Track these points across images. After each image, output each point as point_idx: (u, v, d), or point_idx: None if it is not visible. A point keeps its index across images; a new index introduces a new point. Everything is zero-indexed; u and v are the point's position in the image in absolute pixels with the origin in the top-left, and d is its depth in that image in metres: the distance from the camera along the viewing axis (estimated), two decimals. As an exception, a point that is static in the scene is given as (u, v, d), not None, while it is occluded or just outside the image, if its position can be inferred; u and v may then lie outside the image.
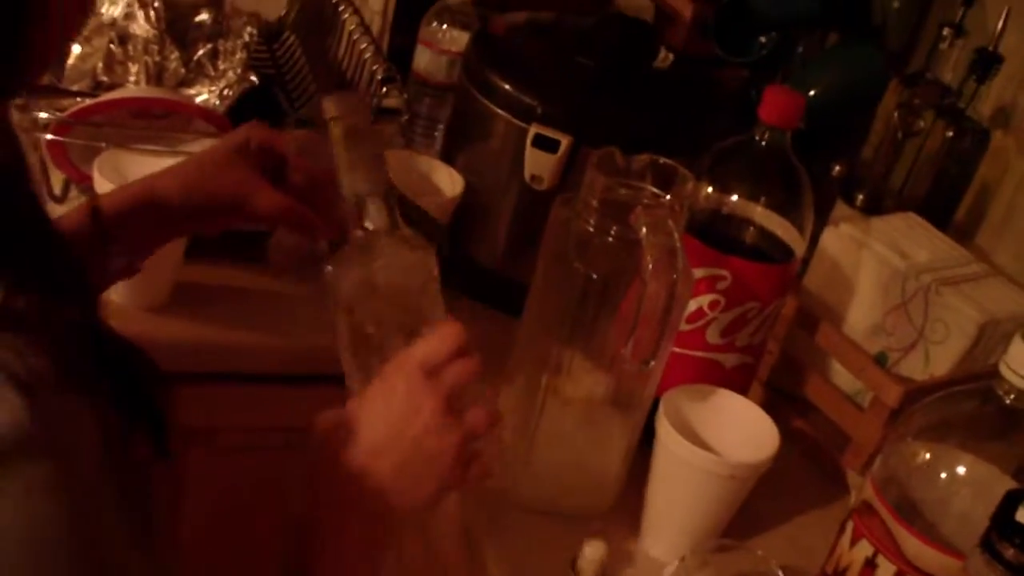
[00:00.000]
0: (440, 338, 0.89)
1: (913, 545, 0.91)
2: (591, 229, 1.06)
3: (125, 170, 1.20)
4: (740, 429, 1.12)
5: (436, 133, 1.56)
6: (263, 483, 1.37)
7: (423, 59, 1.57)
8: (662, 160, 1.08)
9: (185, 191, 1.08)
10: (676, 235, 1.02)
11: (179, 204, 1.07)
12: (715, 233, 1.16)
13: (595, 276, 1.05)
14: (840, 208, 1.50)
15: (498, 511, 1.13)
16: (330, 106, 0.93)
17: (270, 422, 1.35)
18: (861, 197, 1.52)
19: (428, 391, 0.87)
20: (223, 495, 1.38)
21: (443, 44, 1.55)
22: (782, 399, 1.30)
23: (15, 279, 0.63)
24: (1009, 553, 0.74)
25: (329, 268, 0.94)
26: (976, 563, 0.76)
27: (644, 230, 1.01)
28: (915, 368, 1.24)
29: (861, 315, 1.27)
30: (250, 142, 1.12)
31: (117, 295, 1.24)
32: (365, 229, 0.94)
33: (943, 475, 0.92)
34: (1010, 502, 0.74)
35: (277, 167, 1.13)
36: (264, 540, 1.42)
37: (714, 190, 1.17)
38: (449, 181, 1.36)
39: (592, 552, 1.02)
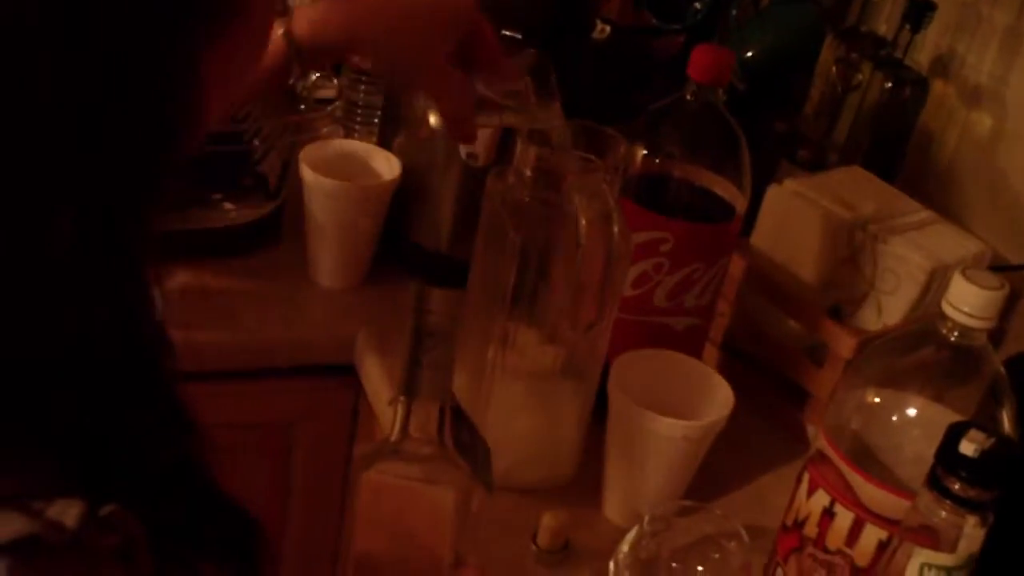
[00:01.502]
0: None
1: (869, 491, 0.90)
2: (526, 199, 1.05)
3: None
4: (693, 391, 1.11)
5: (375, 120, 1.54)
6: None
7: (356, 47, 1.55)
8: (592, 126, 1.07)
9: (381, 52, 1.03)
10: (611, 199, 1.01)
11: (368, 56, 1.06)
12: (654, 196, 1.15)
13: (532, 245, 1.04)
14: (784, 167, 1.49)
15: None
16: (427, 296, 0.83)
17: (215, 420, 1.34)
18: (804, 154, 1.51)
19: None
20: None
21: (375, 31, 1.53)
22: (738, 360, 1.29)
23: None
24: (956, 487, 0.73)
25: (356, 455, 0.89)
26: (925, 500, 0.75)
27: (578, 196, 1.00)
28: (869, 320, 1.24)
29: (811, 270, 1.26)
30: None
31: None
32: (405, 432, 0.84)
33: (894, 418, 0.92)
34: (953, 435, 0.73)
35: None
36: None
37: (650, 153, 1.16)
38: (387, 165, 1.35)
39: (551, 521, 1.01)
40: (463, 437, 0.92)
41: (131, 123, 0.54)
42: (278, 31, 1.00)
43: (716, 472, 1.15)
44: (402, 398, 0.83)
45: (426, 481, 0.86)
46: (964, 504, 0.73)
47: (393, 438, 0.84)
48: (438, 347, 0.82)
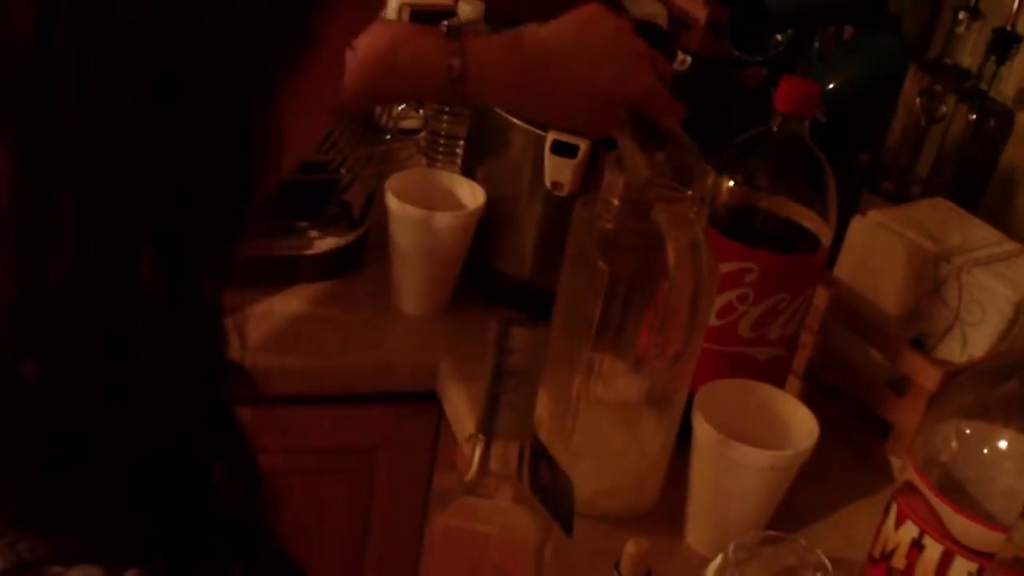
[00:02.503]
0: None
1: (959, 523, 0.89)
2: (613, 228, 1.05)
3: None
4: (777, 421, 1.11)
5: (457, 150, 1.56)
6: (293, 506, 1.37)
7: (439, 77, 1.57)
8: (680, 155, 1.07)
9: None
10: (698, 228, 1.02)
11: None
12: (740, 227, 1.16)
13: (619, 275, 1.04)
14: (867, 198, 1.48)
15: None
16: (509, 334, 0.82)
17: (299, 444, 1.36)
18: (888, 186, 1.51)
19: None
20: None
21: (458, 61, 1.55)
22: (821, 391, 1.29)
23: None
24: (1053, 518, 0.73)
25: (434, 490, 0.89)
26: (1021, 532, 0.75)
27: (665, 225, 1.01)
28: (953, 351, 1.23)
29: (895, 302, 1.26)
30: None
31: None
32: (483, 471, 0.83)
33: (985, 451, 0.91)
34: (1050, 466, 0.73)
35: None
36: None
37: (736, 184, 1.17)
38: (471, 195, 1.36)
39: (634, 549, 1.01)
40: (543, 477, 0.92)
41: (213, 166, 0.55)
42: (446, 61, 1.06)
43: (798, 503, 1.14)
44: (480, 436, 0.82)
45: (500, 526, 0.85)
46: (1061, 536, 0.73)
47: (469, 476, 0.83)
48: (519, 387, 0.81)
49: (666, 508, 1.15)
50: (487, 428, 0.82)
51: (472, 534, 0.86)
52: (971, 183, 1.50)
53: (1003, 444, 0.90)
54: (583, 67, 1.16)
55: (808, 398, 1.22)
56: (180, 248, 0.54)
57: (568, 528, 0.94)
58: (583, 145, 1.25)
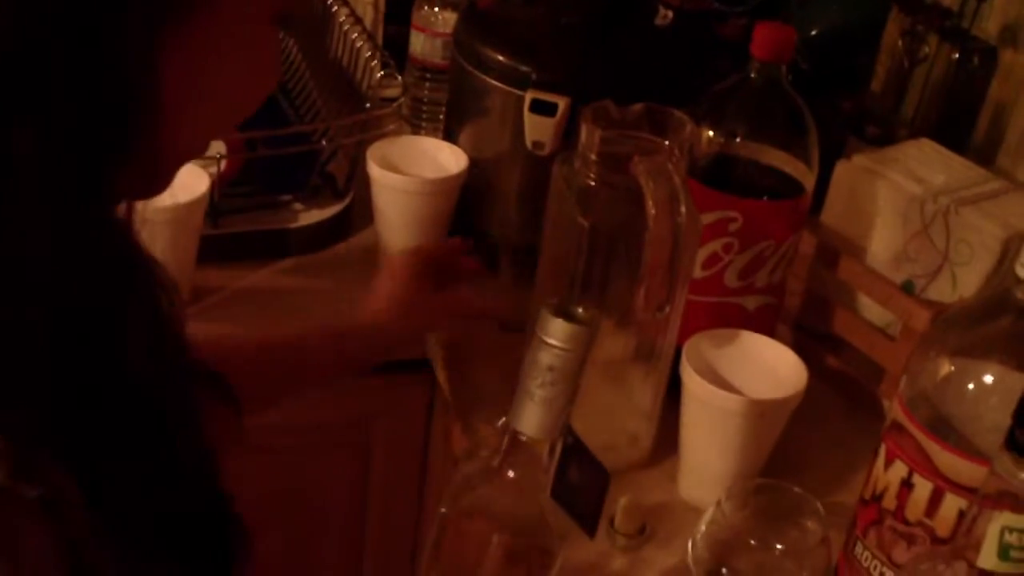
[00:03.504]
0: None
1: (947, 460, 0.89)
2: (592, 183, 1.05)
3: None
4: (766, 368, 1.11)
5: (441, 116, 1.55)
6: (290, 481, 1.37)
7: (418, 44, 1.57)
8: (657, 107, 1.07)
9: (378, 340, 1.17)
10: (677, 179, 1.01)
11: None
12: (721, 176, 1.15)
13: (600, 229, 1.04)
14: (853, 144, 1.47)
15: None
16: (553, 327, 0.77)
17: (293, 419, 1.35)
18: (873, 131, 1.50)
19: None
20: (250, 497, 1.38)
21: (436, 27, 1.55)
22: (812, 339, 1.28)
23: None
24: (1035, 447, 0.72)
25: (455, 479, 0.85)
26: (1003, 463, 0.74)
27: (643, 178, 1.00)
28: (943, 292, 1.22)
29: (883, 245, 1.25)
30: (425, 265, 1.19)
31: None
32: (507, 462, 0.81)
33: (971, 387, 0.90)
34: (1030, 395, 0.72)
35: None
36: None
37: (715, 133, 1.16)
38: (453, 159, 1.35)
39: (628, 504, 1.01)
40: (571, 476, 0.87)
41: (84, 92, 0.54)
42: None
43: (793, 450, 1.14)
44: (510, 428, 0.79)
45: (510, 528, 0.82)
46: (1044, 465, 0.72)
47: (494, 463, 0.81)
48: (557, 383, 0.77)
49: (659, 462, 1.15)
50: (518, 420, 0.79)
51: (481, 526, 0.83)
52: (957, 123, 1.49)
53: (989, 379, 0.90)
54: None
55: (799, 345, 1.22)
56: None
57: (591, 529, 0.90)
58: (562, 103, 1.24)
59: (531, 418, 0.78)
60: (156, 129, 0.58)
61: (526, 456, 0.80)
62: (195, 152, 0.67)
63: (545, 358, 0.76)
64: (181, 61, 0.58)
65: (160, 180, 0.64)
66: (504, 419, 0.80)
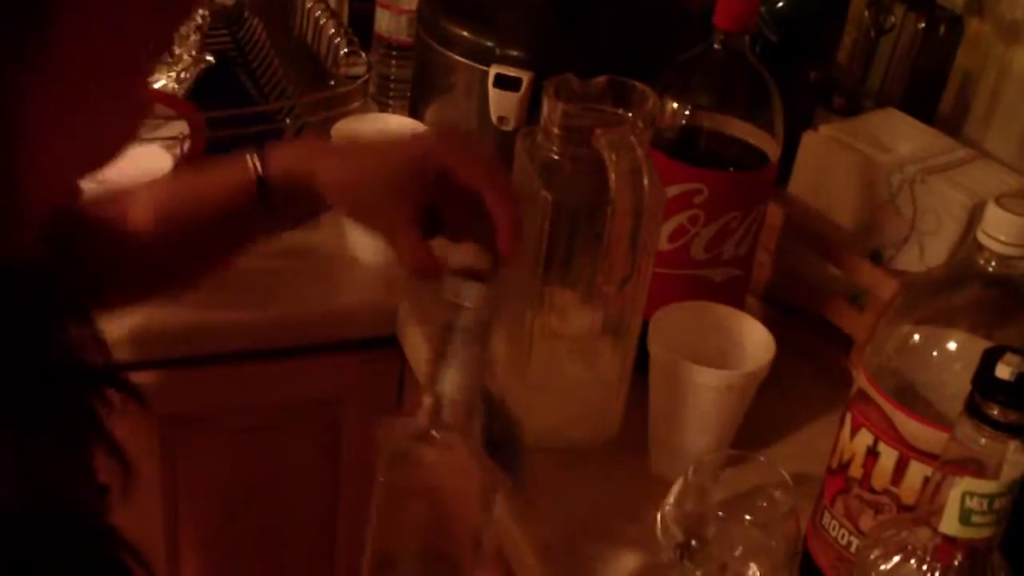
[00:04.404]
0: None
1: (912, 428, 0.89)
2: (555, 157, 1.04)
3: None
4: (734, 340, 1.10)
5: (409, 93, 1.55)
6: (263, 463, 1.37)
7: (383, 21, 1.56)
8: (619, 80, 1.06)
9: (338, 195, 0.96)
10: (640, 152, 1.00)
11: (327, 201, 0.96)
12: (686, 148, 1.14)
13: (563, 203, 1.03)
14: (820, 115, 1.47)
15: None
16: (462, 290, 0.82)
17: (264, 400, 1.35)
18: (840, 101, 1.50)
19: None
20: (224, 480, 1.38)
21: (401, 4, 1.53)
22: (781, 310, 1.28)
23: None
24: (994, 412, 0.72)
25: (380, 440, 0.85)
26: (964, 429, 0.74)
27: (605, 151, 0.99)
28: (911, 262, 1.22)
29: (850, 216, 1.25)
30: (430, 164, 0.93)
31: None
32: (433, 424, 0.82)
33: (935, 354, 0.90)
34: (989, 360, 0.72)
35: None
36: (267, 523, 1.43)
37: (680, 105, 1.15)
38: (419, 136, 1.35)
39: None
40: (496, 433, 0.89)
41: None
42: (248, 165, 0.96)
43: (763, 421, 1.14)
44: (432, 392, 0.82)
45: (449, 479, 0.84)
46: (1004, 429, 0.72)
47: (420, 428, 0.83)
48: (470, 343, 0.81)
49: (630, 436, 1.14)
50: (438, 383, 0.81)
51: (421, 489, 0.85)
52: (924, 92, 1.49)
53: (953, 346, 0.89)
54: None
55: (768, 317, 1.21)
56: None
57: (518, 480, 0.93)
58: (526, 77, 1.23)
59: (448, 380, 0.81)
60: (16, 169, 0.55)
61: (451, 417, 0.82)
62: (59, 196, 0.63)
63: (455, 320, 0.80)
64: (43, 99, 0.55)
65: (21, 227, 0.60)
66: (424, 388, 0.83)
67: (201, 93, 1.36)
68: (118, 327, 1.19)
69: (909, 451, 0.89)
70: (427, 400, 0.83)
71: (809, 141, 1.27)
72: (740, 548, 0.96)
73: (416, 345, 1.27)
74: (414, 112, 1.40)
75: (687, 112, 1.15)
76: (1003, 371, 0.71)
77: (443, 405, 0.82)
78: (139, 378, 1.14)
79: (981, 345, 0.87)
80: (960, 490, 0.74)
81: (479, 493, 0.86)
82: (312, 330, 1.32)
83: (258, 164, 0.95)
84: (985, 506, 0.74)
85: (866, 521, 0.93)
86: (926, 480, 0.88)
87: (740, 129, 1.16)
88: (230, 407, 1.33)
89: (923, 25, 1.45)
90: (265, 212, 0.95)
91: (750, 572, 0.95)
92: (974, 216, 1.18)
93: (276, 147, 0.98)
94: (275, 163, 0.95)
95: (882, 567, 0.80)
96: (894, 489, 0.90)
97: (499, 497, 0.87)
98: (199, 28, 1.41)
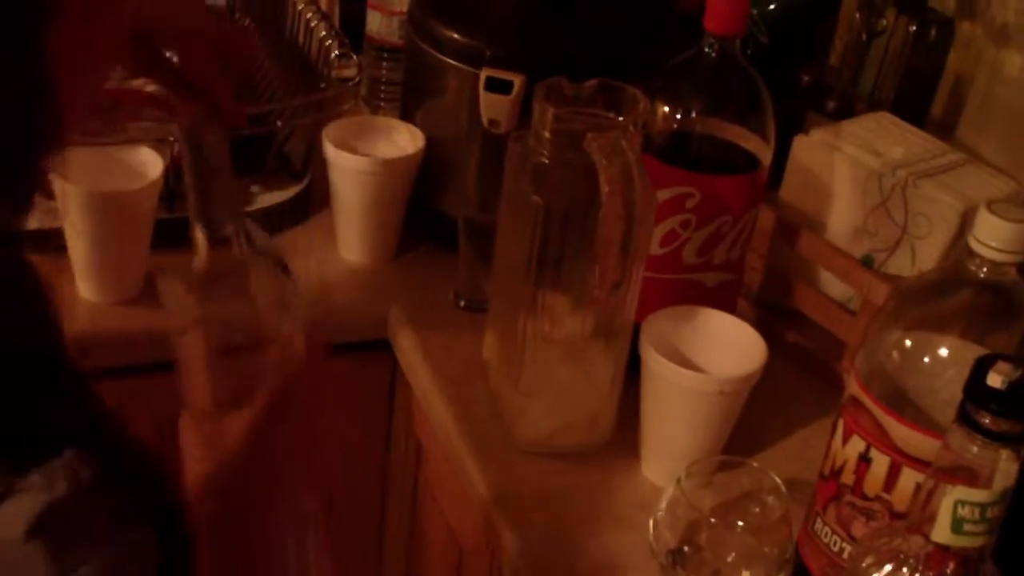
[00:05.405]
0: None
1: (904, 434, 0.88)
2: (546, 161, 1.04)
3: (88, 167, 1.19)
4: (726, 345, 1.10)
5: (400, 95, 1.54)
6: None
7: (375, 23, 1.55)
8: (611, 83, 1.06)
9: None
10: (630, 156, 1.00)
11: None
12: (678, 152, 1.14)
13: (554, 207, 1.03)
14: (812, 118, 1.47)
15: (497, 457, 1.12)
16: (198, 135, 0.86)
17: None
18: (832, 105, 1.49)
19: None
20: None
21: (392, 6, 1.53)
22: (773, 314, 1.28)
23: None
24: (986, 421, 0.72)
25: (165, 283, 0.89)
26: (956, 437, 0.74)
27: (596, 155, 0.99)
28: (903, 266, 1.22)
29: (842, 220, 1.25)
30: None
31: (87, 291, 1.23)
32: (213, 261, 0.86)
33: (926, 360, 0.90)
34: (981, 368, 0.72)
35: None
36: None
37: (671, 109, 1.15)
38: (410, 138, 1.34)
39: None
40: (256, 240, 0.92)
41: None
42: None
43: (755, 427, 1.14)
44: (204, 231, 0.85)
45: (230, 327, 0.86)
46: (996, 438, 0.72)
47: (203, 269, 0.86)
48: (219, 175, 0.85)
49: (621, 441, 1.14)
50: (208, 221, 0.85)
51: (207, 337, 0.86)
52: (915, 96, 1.48)
53: (945, 352, 0.89)
54: None
55: (761, 321, 1.21)
56: None
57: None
58: (517, 81, 1.23)
59: (219, 209, 0.85)
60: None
61: (221, 255, 0.86)
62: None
63: (206, 159, 0.85)
64: (65, 44, 0.56)
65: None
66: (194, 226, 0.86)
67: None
68: (112, 329, 1.19)
69: (901, 457, 0.89)
70: (201, 237, 0.85)
71: (801, 145, 1.27)
72: (733, 554, 0.96)
73: (408, 349, 1.26)
74: (405, 114, 1.40)
75: (678, 116, 1.15)
76: (995, 380, 0.71)
77: (209, 243, 0.85)
78: (130, 381, 1.16)
79: (973, 351, 0.87)
80: (952, 499, 0.73)
81: (256, 329, 0.87)
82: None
83: None
84: (977, 515, 0.74)
85: (858, 527, 0.93)
86: (918, 487, 0.88)
87: (731, 133, 1.16)
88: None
89: (914, 28, 1.45)
90: None
91: (742, 578, 0.95)
92: (965, 220, 1.18)
93: None
94: None
95: (874, 575, 0.80)
96: (886, 496, 0.90)
97: (281, 333, 0.88)
98: (189, 30, 1.40)
